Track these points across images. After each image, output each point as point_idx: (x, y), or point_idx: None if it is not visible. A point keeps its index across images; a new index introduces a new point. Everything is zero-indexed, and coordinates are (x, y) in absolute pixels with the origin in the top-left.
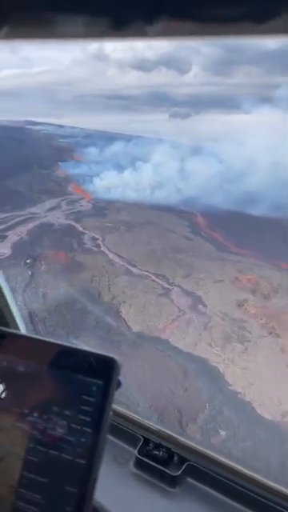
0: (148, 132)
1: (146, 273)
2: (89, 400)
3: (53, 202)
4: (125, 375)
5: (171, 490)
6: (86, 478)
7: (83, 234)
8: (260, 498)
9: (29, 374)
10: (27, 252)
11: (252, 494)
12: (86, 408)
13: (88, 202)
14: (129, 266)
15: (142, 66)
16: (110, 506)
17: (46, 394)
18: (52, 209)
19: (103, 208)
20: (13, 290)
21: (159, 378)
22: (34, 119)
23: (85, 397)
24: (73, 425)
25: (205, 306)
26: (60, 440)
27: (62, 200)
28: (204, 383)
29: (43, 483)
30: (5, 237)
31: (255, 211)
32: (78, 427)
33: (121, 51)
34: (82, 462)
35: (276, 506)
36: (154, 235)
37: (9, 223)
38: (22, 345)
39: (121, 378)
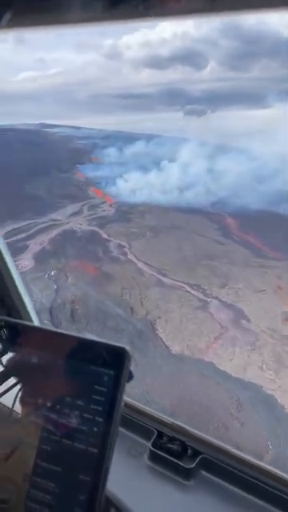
0: (164, 131)
1: (178, 283)
2: (100, 390)
3: (74, 207)
4: (173, 407)
5: (185, 482)
6: (99, 467)
7: (108, 241)
8: (275, 491)
9: (41, 365)
10: (51, 263)
11: (267, 487)
12: (98, 398)
13: (110, 206)
14: (160, 276)
15: (157, 63)
16: (124, 497)
17: (58, 385)
18: (74, 214)
19: (127, 212)
20: (37, 308)
21: (210, 409)
22: (50, 122)
23: (96, 387)
24: (85, 414)
25: (248, 320)
26: (72, 430)
27: (84, 205)
28: (261, 415)
29: (57, 472)
30: (26, 247)
31: None
32: (90, 417)
33: (135, 49)
34: (95, 451)
35: None
36: (182, 240)
37: (30, 231)
38: (35, 336)
39: (132, 369)
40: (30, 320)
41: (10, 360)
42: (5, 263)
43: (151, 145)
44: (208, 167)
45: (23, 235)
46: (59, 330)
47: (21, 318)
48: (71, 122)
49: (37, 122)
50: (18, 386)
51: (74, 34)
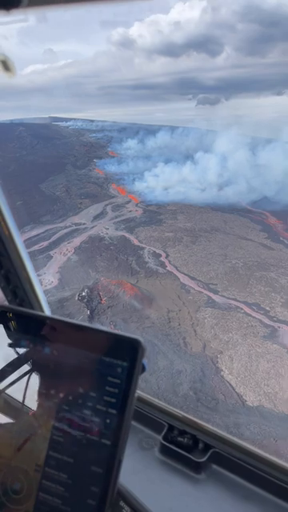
0: (179, 121)
1: (233, 302)
2: (114, 381)
3: (96, 207)
4: None
5: (196, 476)
6: (112, 459)
7: (141, 248)
8: (284, 485)
9: (54, 356)
10: (79, 279)
11: (277, 482)
12: (111, 389)
13: (136, 205)
14: (209, 293)
15: (170, 51)
16: (135, 490)
17: (71, 376)
18: (97, 217)
19: (156, 212)
20: None
21: None
22: (60, 115)
23: (110, 378)
24: (98, 406)
25: None
26: (85, 421)
27: (107, 205)
28: None
29: (69, 463)
30: (49, 258)
31: None
32: (104, 408)
33: (147, 37)
34: (108, 442)
35: None
36: (226, 246)
37: (52, 238)
38: (48, 326)
39: (145, 361)
40: (42, 310)
41: (22, 350)
42: (18, 254)
43: (176, 136)
44: (248, 160)
45: (45, 243)
46: (72, 321)
47: (32, 308)
48: (82, 115)
49: (46, 116)
50: (30, 377)
51: (84, 23)
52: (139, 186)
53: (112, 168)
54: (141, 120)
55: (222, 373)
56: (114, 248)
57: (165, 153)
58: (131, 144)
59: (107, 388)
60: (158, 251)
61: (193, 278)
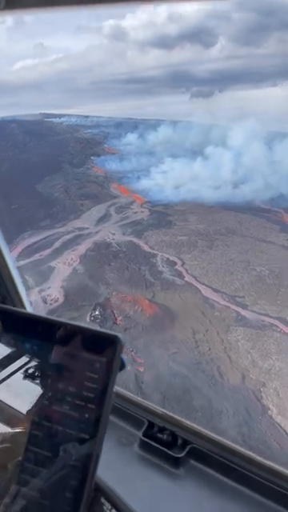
0: (175, 115)
1: (266, 318)
2: (92, 377)
3: (99, 209)
4: None
5: (175, 470)
6: (90, 453)
7: (153, 255)
8: (262, 480)
9: (34, 352)
10: (88, 294)
11: (253, 476)
12: (90, 384)
13: (141, 206)
14: (237, 308)
15: (164, 43)
16: (114, 484)
17: (51, 372)
18: (101, 220)
19: (164, 213)
20: None
21: None
22: (53, 111)
23: (88, 373)
24: (77, 401)
25: None
26: (64, 416)
27: (110, 206)
28: None
29: (47, 457)
30: (51, 269)
31: None
32: (82, 403)
33: (140, 29)
34: (86, 437)
35: (277, 488)
36: (246, 250)
37: (54, 245)
38: (28, 323)
39: (124, 357)
40: (23, 307)
41: (4, 348)
42: None
43: (178, 130)
44: (264, 155)
45: (46, 252)
46: (52, 317)
47: (14, 305)
48: (74, 111)
49: (37, 113)
50: (9, 372)
51: (74, 16)
52: (144, 184)
53: (112, 165)
54: (133, 115)
55: (269, 412)
56: (123, 256)
57: (169, 148)
58: (131, 139)
59: (86, 383)
60: (172, 258)
61: (216, 290)
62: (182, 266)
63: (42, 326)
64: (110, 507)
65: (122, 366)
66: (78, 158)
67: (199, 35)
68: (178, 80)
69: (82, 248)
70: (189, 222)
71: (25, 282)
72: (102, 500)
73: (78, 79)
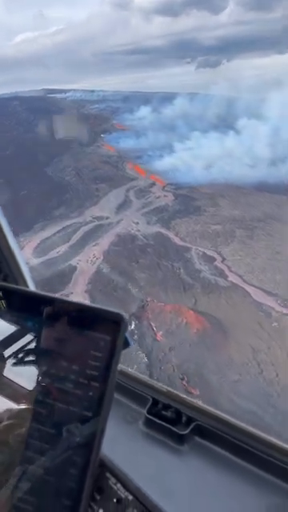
0: (178, 87)
1: None
2: (96, 355)
3: (117, 194)
4: None
5: (179, 447)
6: (94, 430)
7: (186, 249)
8: (265, 456)
9: (38, 330)
10: (118, 301)
11: (256, 452)
12: (94, 363)
13: (163, 189)
14: None
15: (169, 9)
16: (119, 461)
17: (54, 350)
18: (121, 207)
19: (189, 197)
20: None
21: None
22: (55, 87)
23: (92, 352)
24: (80, 379)
25: None
26: (68, 393)
27: (128, 190)
28: None
29: (52, 434)
30: (72, 270)
31: None
32: (86, 381)
33: None
34: (89, 414)
35: (281, 464)
36: None
37: (72, 240)
38: (31, 301)
39: (128, 336)
40: (26, 285)
41: (7, 326)
42: (0, 229)
43: (196, 103)
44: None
45: (63, 248)
46: (56, 295)
47: (16, 283)
48: (77, 86)
49: (39, 88)
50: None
51: None
52: (164, 164)
53: (126, 143)
54: (138, 88)
55: None
56: (151, 251)
57: (191, 122)
58: (145, 113)
59: (90, 362)
60: (208, 253)
61: (268, 293)
62: (223, 262)
63: (45, 304)
64: (115, 482)
65: (126, 345)
66: (86, 136)
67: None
68: (184, 49)
69: (105, 242)
70: (220, 208)
71: (43, 287)
72: (108, 475)
73: (80, 51)
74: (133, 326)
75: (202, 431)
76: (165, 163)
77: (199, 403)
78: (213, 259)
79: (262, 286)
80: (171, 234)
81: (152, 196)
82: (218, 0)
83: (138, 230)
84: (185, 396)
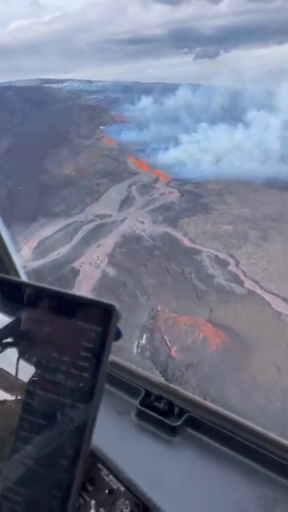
0: (176, 78)
1: None
2: (87, 346)
3: (119, 190)
4: None
5: (171, 438)
6: (84, 421)
7: (196, 252)
8: (255, 447)
9: (28, 320)
10: (127, 310)
11: (248, 443)
12: (85, 354)
13: (168, 185)
14: None
15: None
16: (112, 452)
17: (45, 340)
18: (124, 204)
19: (196, 194)
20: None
21: None
22: (50, 76)
23: (84, 343)
24: (71, 370)
25: None
26: (59, 384)
27: (131, 186)
28: None
29: (42, 425)
30: (75, 273)
31: None
32: (77, 372)
33: None
34: (80, 405)
35: (270, 455)
36: None
37: (73, 241)
38: (22, 291)
39: (120, 327)
40: (18, 276)
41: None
42: None
43: (200, 94)
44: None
45: (65, 249)
46: (47, 286)
47: (8, 273)
48: (73, 75)
49: (34, 78)
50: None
51: None
52: (167, 158)
53: (128, 135)
54: (135, 78)
55: None
56: (159, 253)
57: (196, 113)
58: (146, 104)
59: (81, 352)
60: (221, 256)
61: None
62: (237, 266)
63: (37, 294)
64: (107, 473)
65: (118, 336)
66: (85, 128)
67: None
68: (181, 40)
69: (109, 243)
70: (229, 206)
71: None
72: (100, 466)
73: (76, 40)
74: (144, 340)
75: (194, 423)
76: (168, 157)
77: (191, 395)
78: (226, 263)
79: (281, 294)
80: (179, 235)
81: (156, 192)
82: None
83: (144, 230)
84: (177, 388)
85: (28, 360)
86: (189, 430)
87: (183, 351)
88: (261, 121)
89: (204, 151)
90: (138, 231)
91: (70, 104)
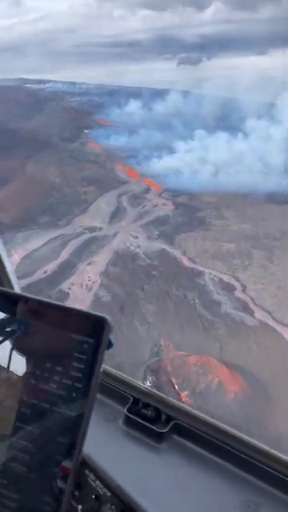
0: (158, 83)
1: None
2: (80, 357)
3: (108, 200)
4: None
5: (158, 445)
6: (77, 430)
7: (198, 273)
8: (240, 454)
9: (22, 331)
10: (125, 344)
11: (232, 450)
12: (78, 365)
13: (161, 196)
14: None
15: (155, 3)
16: (99, 458)
17: (39, 351)
18: (115, 216)
19: (191, 207)
20: None
21: None
22: (31, 76)
23: (76, 354)
24: (64, 380)
25: None
26: (52, 394)
27: (121, 195)
28: None
29: (35, 434)
30: (64, 295)
31: None
32: (70, 382)
33: None
34: (73, 414)
35: (254, 461)
36: None
37: (60, 257)
38: (16, 302)
39: (112, 338)
40: (11, 287)
41: None
42: None
43: (191, 100)
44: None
45: (53, 266)
46: (42, 298)
47: (2, 285)
48: (55, 76)
49: (15, 77)
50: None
51: None
52: (159, 166)
53: (116, 140)
54: (119, 82)
55: None
56: (157, 274)
57: (189, 120)
58: (134, 108)
59: (74, 363)
60: (225, 279)
61: None
62: (244, 291)
63: (31, 306)
64: (94, 478)
65: (110, 346)
66: (68, 131)
67: None
68: (164, 45)
69: (101, 261)
70: (228, 220)
71: None
72: (87, 472)
73: (59, 41)
74: (148, 383)
75: (180, 430)
76: (161, 165)
77: (178, 402)
78: (232, 288)
79: None
80: (178, 253)
81: (149, 204)
82: None
83: (139, 247)
84: (164, 396)
85: (21, 370)
86: (175, 436)
87: (195, 398)
88: (260, 131)
89: (194, 161)
90: (132, 247)
91: (53, 105)
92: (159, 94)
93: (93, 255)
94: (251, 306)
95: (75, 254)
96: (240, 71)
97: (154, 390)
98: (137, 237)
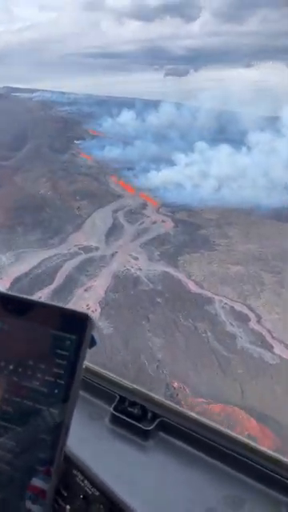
0: (147, 93)
1: None
2: (62, 354)
3: (103, 215)
4: None
5: (144, 443)
6: (59, 427)
7: (208, 300)
8: (225, 450)
9: (4, 329)
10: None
11: (218, 446)
12: (60, 361)
13: (158, 212)
14: None
15: (143, 14)
16: (86, 457)
17: (21, 348)
18: (111, 234)
19: (192, 224)
20: None
21: None
22: (18, 85)
23: (58, 351)
24: (47, 377)
25: None
26: (34, 391)
27: (116, 211)
28: None
29: (17, 431)
30: None
31: None
32: (52, 379)
33: None
34: (55, 411)
35: (239, 457)
36: None
37: (54, 282)
38: None
39: (95, 335)
40: None
41: None
42: None
43: (185, 112)
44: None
45: (45, 292)
46: (23, 296)
47: None
48: (41, 85)
49: (1, 86)
50: None
51: None
52: (157, 179)
53: (111, 152)
54: (107, 92)
55: None
56: (163, 301)
57: (185, 132)
58: (127, 119)
59: (56, 360)
60: (237, 307)
61: None
62: (259, 322)
63: (12, 304)
64: (82, 478)
65: (93, 344)
66: (58, 142)
67: (181, 8)
68: (153, 57)
69: (99, 286)
70: (232, 239)
71: None
72: (74, 472)
73: (46, 51)
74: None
75: (166, 427)
76: (157, 178)
77: (164, 400)
78: (246, 318)
79: None
80: (183, 277)
81: (147, 220)
82: (193, 8)
83: (140, 269)
84: (150, 393)
85: (3, 367)
86: (161, 434)
87: None
88: (264, 144)
89: (192, 175)
90: (132, 270)
91: (41, 115)
92: (151, 104)
93: (90, 280)
94: (269, 339)
95: (71, 278)
96: (228, 83)
97: (140, 388)
98: (137, 258)
